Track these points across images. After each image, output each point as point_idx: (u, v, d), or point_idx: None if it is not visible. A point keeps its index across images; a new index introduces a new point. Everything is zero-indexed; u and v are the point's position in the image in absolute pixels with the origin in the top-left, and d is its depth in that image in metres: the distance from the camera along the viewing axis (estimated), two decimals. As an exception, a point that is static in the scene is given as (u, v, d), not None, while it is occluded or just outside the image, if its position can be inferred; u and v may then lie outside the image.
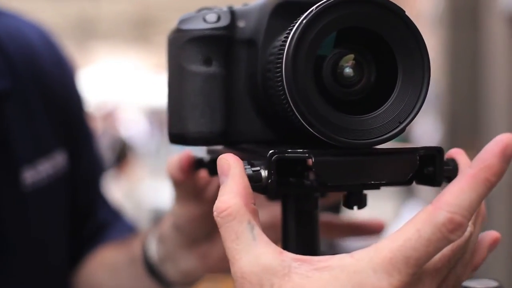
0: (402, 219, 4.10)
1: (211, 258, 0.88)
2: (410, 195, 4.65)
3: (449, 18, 4.17)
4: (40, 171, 1.04)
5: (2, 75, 1.03)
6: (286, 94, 0.59)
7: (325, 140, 0.59)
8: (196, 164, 0.78)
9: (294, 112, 0.59)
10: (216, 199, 0.57)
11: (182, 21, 0.69)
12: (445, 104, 4.12)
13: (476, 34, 3.73)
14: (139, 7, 10.46)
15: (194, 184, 0.84)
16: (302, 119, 0.58)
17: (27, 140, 1.04)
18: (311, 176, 0.64)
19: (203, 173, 0.82)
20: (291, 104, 0.58)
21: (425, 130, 4.20)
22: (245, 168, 0.59)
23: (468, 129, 3.85)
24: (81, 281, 1.13)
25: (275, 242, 0.81)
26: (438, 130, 4.02)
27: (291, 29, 0.59)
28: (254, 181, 0.59)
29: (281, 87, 0.59)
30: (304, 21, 0.58)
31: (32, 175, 1.03)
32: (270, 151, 0.58)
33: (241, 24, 0.69)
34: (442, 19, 4.30)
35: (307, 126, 0.59)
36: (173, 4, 8.24)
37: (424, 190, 4.30)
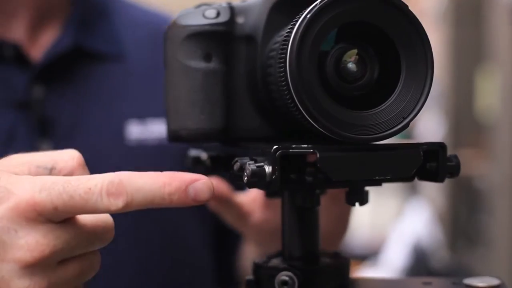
0: (406, 217, 4.10)
1: None
2: (412, 192, 4.65)
3: (453, 14, 4.17)
4: (152, 130, 1.06)
5: (112, 42, 1.09)
6: (290, 89, 0.58)
7: (329, 135, 0.58)
8: (193, 162, 0.78)
9: (298, 108, 0.58)
10: None
11: (180, 17, 0.69)
12: (448, 101, 4.11)
13: (480, 30, 3.73)
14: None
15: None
16: (307, 114, 0.58)
17: (139, 98, 1.07)
18: (313, 172, 0.63)
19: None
20: (296, 100, 0.58)
21: (428, 126, 4.20)
22: (249, 164, 0.58)
23: (471, 126, 3.84)
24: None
25: (272, 238, 0.83)
26: (441, 127, 4.02)
27: (294, 24, 0.58)
28: (258, 177, 0.58)
29: (284, 83, 0.59)
30: (308, 16, 0.57)
31: (141, 131, 1.05)
32: (274, 147, 0.58)
33: (240, 20, 0.69)
34: (445, 16, 4.30)
35: (311, 121, 0.58)
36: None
37: (427, 187, 4.30)
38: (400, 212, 4.57)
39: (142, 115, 1.07)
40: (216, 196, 0.83)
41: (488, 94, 3.51)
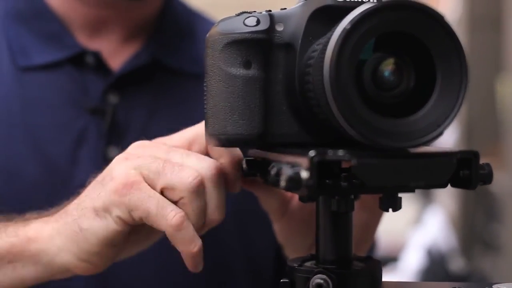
0: (422, 223, 4.09)
1: None
2: (429, 199, 4.64)
3: (467, 22, 4.16)
4: None
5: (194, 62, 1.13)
6: (327, 97, 0.59)
7: (365, 142, 0.60)
8: None
9: (335, 115, 0.60)
10: None
11: (221, 24, 0.70)
12: (462, 108, 4.10)
13: (494, 37, 3.72)
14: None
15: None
16: (343, 122, 0.59)
17: None
18: (348, 177, 0.65)
19: None
20: (332, 107, 0.59)
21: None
22: (285, 169, 0.60)
23: (486, 134, 3.84)
24: None
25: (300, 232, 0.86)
26: (452, 134, 4.01)
27: (333, 33, 0.60)
28: (294, 182, 0.59)
29: (322, 90, 0.60)
30: (347, 26, 0.59)
31: None
32: (311, 153, 0.59)
33: (279, 28, 0.70)
34: (460, 23, 4.29)
35: (347, 128, 0.59)
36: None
37: (443, 195, 4.29)
38: (417, 218, 4.56)
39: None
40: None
41: (506, 102, 3.51)
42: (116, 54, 1.10)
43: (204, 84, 0.72)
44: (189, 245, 0.73)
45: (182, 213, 0.73)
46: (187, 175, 0.73)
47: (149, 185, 0.74)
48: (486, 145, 3.61)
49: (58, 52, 1.08)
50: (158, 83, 1.11)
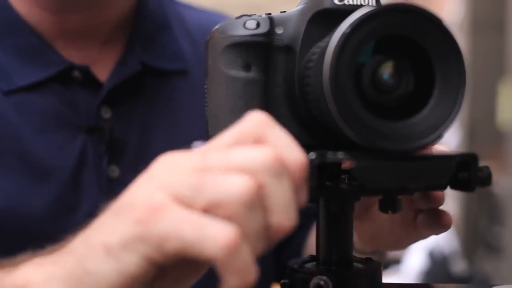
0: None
1: None
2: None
3: (470, 24, 4.17)
4: None
5: (175, 58, 1.09)
6: (326, 99, 0.60)
7: (364, 145, 0.60)
8: None
9: (333, 117, 0.60)
10: None
11: (222, 27, 0.71)
12: (464, 111, 4.11)
13: (496, 40, 3.73)
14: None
15: None
16: (342, 124, 0.60)
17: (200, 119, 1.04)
18: (348, 180, 0.65)
19: None
20: (331, 109, 0.60)
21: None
22: None
23: (489, 136, 3.84)
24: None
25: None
26: (455, 136, 4.02)
27: (332, 37, 0.60)
28: None
29: (321, 93, 0.61)
30: (346, 29, 0.59)
31: None
32: (312, 155, 0.60)
33: (279, 30, 0.71)
34: (462, 26, 4.30)
35: (346, 131, 0.60)
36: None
37: (446, 198, 4.28)
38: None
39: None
40: None
41: (508, 105, 3.51)
42: (98, 62, 1.04)
43: (205, 86, 0.72)
44: (245, 275, 0.52)
45: (235, 229, 0.52)
46: (236, 183, 0.53)
47: (184, 207, 0.53)
48: (489, 147, 3.62)
49: (42, 70, 1.00)
50: (148, 89, 1.05)
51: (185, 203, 0.53)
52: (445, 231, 0.80)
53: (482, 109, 3.95)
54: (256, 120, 0.57)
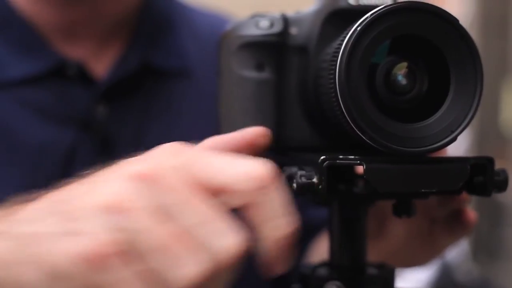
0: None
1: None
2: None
3: (479, 25, 4.13)
4: None
5: (177, 57, 1.08)
6: (339, 100, 0.59)
7: (377, 147, 0.59)
8: None
9: (346, 119, 0.59)
10: None
11: (234, 26, 0.70)
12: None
13: (506, 41, 3.70)
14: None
15: None
16: (355, 126, 0.59)
17: (205, 118, 1.01)
18: (361, 183, 0.64)
19: None
20: (344, 111, 0.59)
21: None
22: (297, 173, 0.59)
23: (495, 138, 3.80)
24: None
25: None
26: (465, 139, 3.98)
27: (345, 36, 0.59)
28: (306, 186, 0.59)
29: (333, 94, 0.59)
30: (358, 28, 0.58)
31: None
32: (322, 157, 0.59)
33: (293, 31, 0.70)
34: (472, 27, 4.26)
35: (359, 133, 0.59)
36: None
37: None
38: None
39: (206, 136, 1.02)
40: None
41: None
42: (97, 59, 1.02)
43: (217, 87, 0.72)
44: None
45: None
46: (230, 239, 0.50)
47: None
48: (492, 148, 3.59)
49: (35, 63, 0.99)
50: (148, 89, 1.03)
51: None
52: (467, 233, 0.78)
53: (486, 110, 3.92)
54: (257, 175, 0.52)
